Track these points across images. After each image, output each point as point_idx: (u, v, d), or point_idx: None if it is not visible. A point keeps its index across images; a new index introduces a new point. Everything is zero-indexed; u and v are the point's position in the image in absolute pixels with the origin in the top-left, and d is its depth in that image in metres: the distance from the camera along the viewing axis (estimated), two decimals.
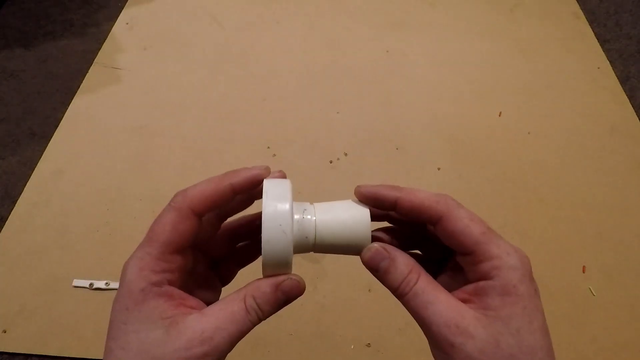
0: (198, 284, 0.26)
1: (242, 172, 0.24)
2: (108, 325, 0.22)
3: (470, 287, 0.23)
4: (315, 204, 0.25)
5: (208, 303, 0.25)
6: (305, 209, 0.24)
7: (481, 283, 0.22)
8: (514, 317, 0.20)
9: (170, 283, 0.22)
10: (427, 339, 0.23)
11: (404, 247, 0.26)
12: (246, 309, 0.22)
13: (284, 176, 0.26)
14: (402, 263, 0.23)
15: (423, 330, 0.22)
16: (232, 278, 0.30)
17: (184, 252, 0.24)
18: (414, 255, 0.25)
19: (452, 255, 0.25)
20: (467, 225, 0.23)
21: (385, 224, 0.28)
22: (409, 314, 0.23)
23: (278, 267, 0.23)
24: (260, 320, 0.22)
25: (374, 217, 0.25)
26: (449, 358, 0.20)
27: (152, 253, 0.22)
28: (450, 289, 0.23)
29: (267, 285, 0.23)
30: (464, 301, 0.22)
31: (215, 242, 0.28)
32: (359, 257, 0.25)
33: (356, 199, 0.26)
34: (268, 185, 0.24)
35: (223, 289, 0.29)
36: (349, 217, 0.24)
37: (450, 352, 0.20)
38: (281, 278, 0.23)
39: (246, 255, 0.30)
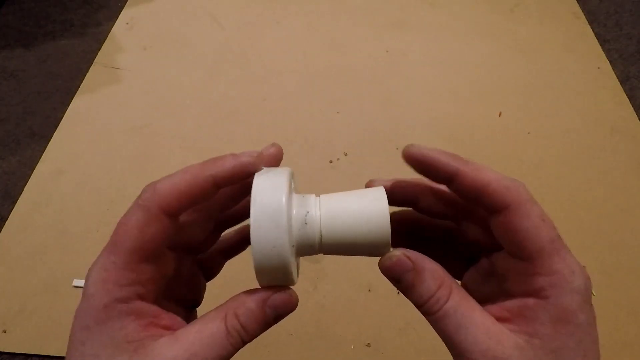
0: (178, 286, 0.23)
1: (227, 160, 0.20)
2: (68, 340, 0.19)
3: (513, 304, 0.19)
4: (322, 196, 0.21)
5: (191, 305, 0.22)
6: (307, 203, 0.20)
7: (530, 301, 0.18)
8: (566, 351, 0.17)
9: (141, 297, 0.19)
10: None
11: (423, 242, 0.23)
12: (227, 331, 0.18)
13: (279, 151, 0.21)
14: (430, 276, 0.19)
15: (452, 353, 0.19)
16: (219, 271, 0.26)
17: (157, 258, 0.20)
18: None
19: (482, 252, 0.22)
20: (538, 226, 0.18)
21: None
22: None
23: (274, 276, 0.19)
24: (244, 343, 0.19)
25: (397, 202, 0.21)
26: None
27: (117, 262, 0.18)
28: (479, 295, 0.20)
29: (252, 300, 0.19)
30: (503, 320, 0.19)
31: (196, 232, 0.23)
32: (368, 256, 0.21)
33: (369, 189, 0.21)
34: (259, 175, 0.19)
35: (209, 284, 0.26)
36: (362, 213, 0.20)
37: None
38: (269, 292, 0.19)
39: (234, 244, 0.26)
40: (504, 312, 0.19)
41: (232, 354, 0.19)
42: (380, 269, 0.20)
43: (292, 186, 0.21)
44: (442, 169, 0.20)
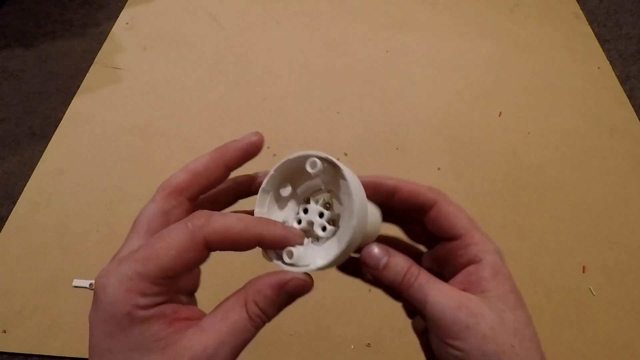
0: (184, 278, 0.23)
1: (277, 229, 0.22)
2: (88, 351, 0.19)
3: (460, 276, 0.24)
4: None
5: (191, 288, 0.23)
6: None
7: (471, 267, 0.23)
8: (507, 295, 0.22)
9: (162, 302, 0.19)
10: (433, 329, 0.22)
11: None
12: (249, 317, 0.20)
13: (261, 138, 0.26)
14: (402, 258, 0.23)
15: (430, 319, 0.22)
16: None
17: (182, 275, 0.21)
18: None
19: (430, 251, 0.27)
20: (459, 209, 0.25)
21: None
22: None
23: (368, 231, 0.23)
24: (264, 323, 0.21)
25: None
26: (462, 340, 0.21)
27: (144, 275, 0.18)
28: None
29: (269, 287, 0.21)
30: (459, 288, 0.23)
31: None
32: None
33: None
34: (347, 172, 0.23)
35: (209, 281, 0.27)
36: (370, 212, 0.24)
37: (465, 333, 0.21)
38: (286, 278, 0.21)
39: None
40: (457, 284, 0.23)
41: (255, 335, 0.20)
42: (361, 259, 0.24)
43: None
44: (385, 187, 0.25)
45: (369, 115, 0.81)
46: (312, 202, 0.24)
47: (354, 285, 0.62)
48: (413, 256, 0.26)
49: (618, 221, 0.68)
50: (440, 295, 0.22)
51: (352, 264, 0.26)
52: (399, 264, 0.23)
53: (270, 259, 0.23)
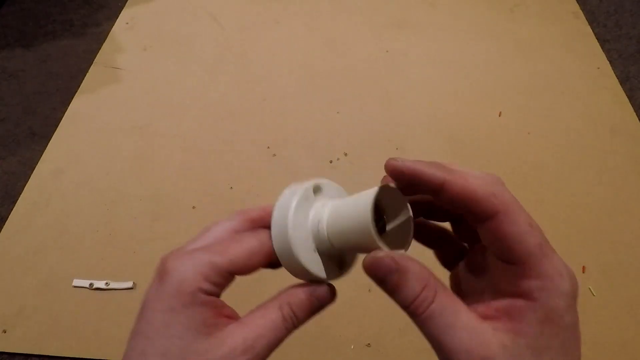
0: None
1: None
2: (138, 320, 0.21)
3: (501, 303, 0.19)
4: (331, 203, 0.24)
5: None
6: (322, 210, 0.24)
7: (519, 302, 0.18)
8: (549, 350, 0.18)
9: (219, 293, 0.22)
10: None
11: (424, 230, 0.25)
12: (283, 317, 0.22)
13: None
14: (414, 277, 0.19)
15: (438, 354, 0.19)
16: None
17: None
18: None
19: (474, 245, 0.23)
20: (526, 232, 0.19)
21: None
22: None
23: (298, 272, 0.23)
24: (295, 327, 0.23)
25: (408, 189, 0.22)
26: None
27: (216, 265, 0.21)
28: (467, 287, 0.22)
29: (302, 292, 0.23)
30: (490, 318, 0.19)
31: None
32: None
33: (364, 193, 0.21)
34: (282, 195, 0.24)
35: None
36: (351, 218, 0.21)
37: None
38: (315, 286, 0.23)
39: None
40: (492, 310, 0.19)
41: (287, 336, 0.22)
42: (363, 268, 0.20)
43: (313, 197, 0.24)
44: (429, 182, 0.20)
45: (369, 115, 0.81)
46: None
47: (354, 285, 0.62)
48: (450, 250, 0.24)
49: (618, 221, 0.68)
50: (450, 334, 0.18)
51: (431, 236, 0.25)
52: (410, 286, 0.19)
53: None
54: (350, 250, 0.24)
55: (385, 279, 0.20)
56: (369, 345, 0.57)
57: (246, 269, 0.23)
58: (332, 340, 0.57)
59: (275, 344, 0.22)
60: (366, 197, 0.20)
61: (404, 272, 0.19)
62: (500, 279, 0.20)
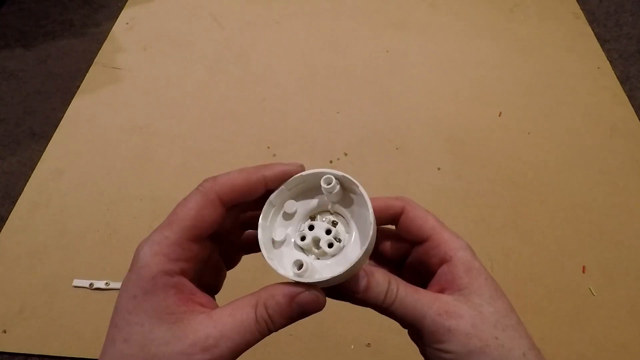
0: (206, 272, 0.25)
1: (277, 166, 0.24)
2: (113, 309, 0.21)
3: (437, 278, 0.24)
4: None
5: (213, 289, 0.25)
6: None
7: (444, 267, 0.24)
8: (482, 288, 0.23)
9: (183, 273, 0.21)
10: (421, 338, 0.23)
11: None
12: (256, 319, 0.20)
13: (302, 170, 0.25)
14: (380, 276, 0.23)
15: (416, 329, 0.23)
16: (237, 263, 0.29)
17: (202, 241, 0.22)
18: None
19: (405, 261, 0.28)
20: (426, 213, 0.26)
21: None
22: None
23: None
24: (270, 332, 0.21)
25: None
26: (447, 343, 0.22)
27: (170, 237, 0.21)
28: (412, 282, 0.25)
29: (282, 295, 0.21)
30: (439, 292, 0.24)
31: (227, 223, 0.25)
32: None
33: None
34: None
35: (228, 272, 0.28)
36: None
37: (448, 336, 0.21)
38: (299, 289, 0.21)
39: (255, 243, 0.28)
40: (435, 286, 0.24)
41: (259, 340, 0.21)
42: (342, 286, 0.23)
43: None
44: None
45: (369, 115, 0.81)
46: (318, 219, 0.25)
47: None
48: (399, 250, 0.28)
49: (618, 221, 0.68)
50: (419, 306, 0.22)
51: (336, 288, 0.24)
52: (379, 283, 0.23)
53: (276, 269, 0.22)
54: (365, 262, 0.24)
55: (358, 287, 0.23)
56: (369, 345, 0.57)
57: (201, 229, 0.21)
58: (332, 340, 0.57)
59: (242, 347, 0.20)
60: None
61: (371, 274, 0.23)
62: (425, 261, 0.25)
